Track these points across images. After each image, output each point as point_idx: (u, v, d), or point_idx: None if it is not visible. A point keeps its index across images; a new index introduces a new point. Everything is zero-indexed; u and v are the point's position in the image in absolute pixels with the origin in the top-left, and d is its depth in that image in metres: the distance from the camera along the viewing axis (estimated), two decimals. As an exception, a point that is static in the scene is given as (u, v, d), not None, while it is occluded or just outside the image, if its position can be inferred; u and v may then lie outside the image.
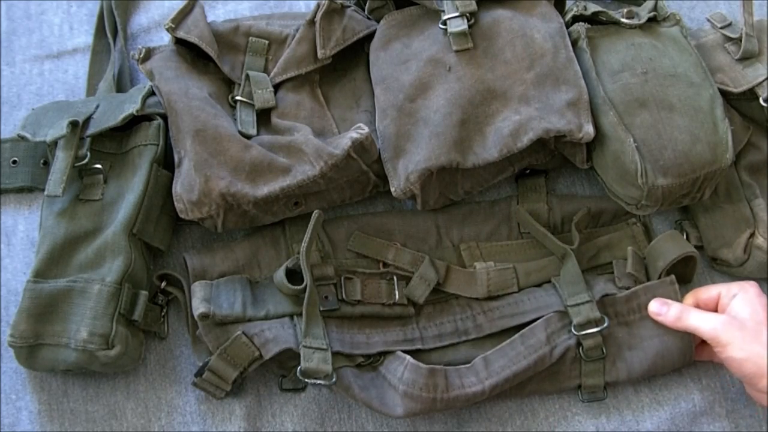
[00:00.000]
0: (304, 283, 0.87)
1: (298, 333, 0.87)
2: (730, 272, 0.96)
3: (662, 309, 0.89)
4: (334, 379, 0.85)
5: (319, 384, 0.86)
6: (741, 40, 0.96)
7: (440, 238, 0.96)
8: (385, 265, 0.94)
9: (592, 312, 0.89)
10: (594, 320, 0.89)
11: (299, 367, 0.85)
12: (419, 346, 0.90)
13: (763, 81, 0.93)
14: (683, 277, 0.94)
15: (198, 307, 0.87)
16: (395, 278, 0.93)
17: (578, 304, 0.89)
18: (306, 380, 0.85)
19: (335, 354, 0.87)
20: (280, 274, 0.90)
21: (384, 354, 0.89)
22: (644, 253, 0.94)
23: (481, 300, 0.93)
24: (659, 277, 0.91)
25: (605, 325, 0.89)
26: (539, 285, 0.94)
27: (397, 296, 0.92)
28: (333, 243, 0.95)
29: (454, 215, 0.97)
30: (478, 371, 0.87)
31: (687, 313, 0.87)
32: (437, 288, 0.93)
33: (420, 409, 0.85)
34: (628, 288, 0.91)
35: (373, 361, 0.89)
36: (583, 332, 0.89)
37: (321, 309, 0.88)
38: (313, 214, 0.88)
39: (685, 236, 0.97)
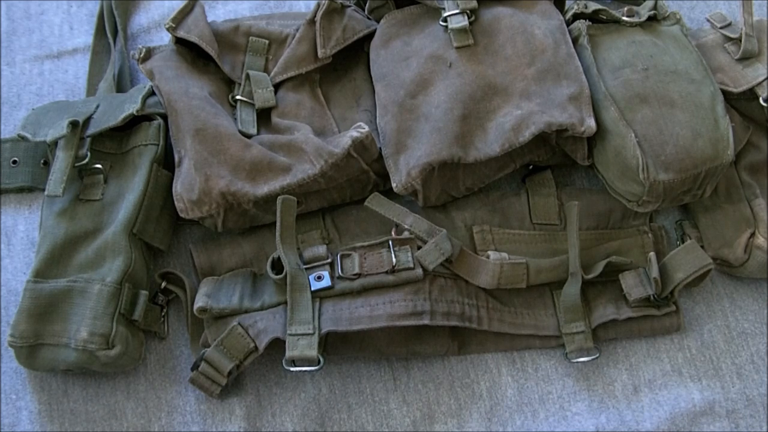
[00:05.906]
0: (284, 271, 0.87)
1: (287, 321, 0.87)
2: (730, 272, 0.96)
3: None
4: (321, 364, 0.85)
5: (306, 371, 0.85)
6: (741, 40, 0.96)
7: (453, 219, 0.95)
8: (398, 229, 0.91)
9: (586, 342, 0.91)
10: (586, 349, 0.91)
11: (284, 358, 0.85)
12: (426, 322, 0.87)
13: (763, 81, 0.93)
14: (691, 281, 0.92)
15: (197, 302, 0.88)
16: (398, 244, 0.90)
17: (573, 333, 0.91)
18: (291, 369, 0.85)
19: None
20: (267, 265, 0.89)
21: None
22: (661, 262, 0.92)
23: (487, 293, 0.92)
24: (676, 288, 0.90)
25: (596, 356, 0.91)
26: (546, 285, 0.94)
27: (396, 261, 0.89)
28: (339, 230, 0.95)
29: (467, 197, 0.96)
30: None
31: None
32: (445, 265, 0.91)
33: None
34: (640, 298, 0.91)
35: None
36: (575, 360, 0.91)
37: (313, 290, 0.88)
38: (278, 200, 0.87)
39: (683, 236, 0.97)
